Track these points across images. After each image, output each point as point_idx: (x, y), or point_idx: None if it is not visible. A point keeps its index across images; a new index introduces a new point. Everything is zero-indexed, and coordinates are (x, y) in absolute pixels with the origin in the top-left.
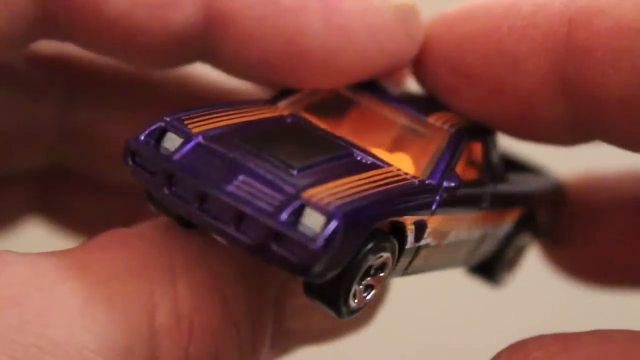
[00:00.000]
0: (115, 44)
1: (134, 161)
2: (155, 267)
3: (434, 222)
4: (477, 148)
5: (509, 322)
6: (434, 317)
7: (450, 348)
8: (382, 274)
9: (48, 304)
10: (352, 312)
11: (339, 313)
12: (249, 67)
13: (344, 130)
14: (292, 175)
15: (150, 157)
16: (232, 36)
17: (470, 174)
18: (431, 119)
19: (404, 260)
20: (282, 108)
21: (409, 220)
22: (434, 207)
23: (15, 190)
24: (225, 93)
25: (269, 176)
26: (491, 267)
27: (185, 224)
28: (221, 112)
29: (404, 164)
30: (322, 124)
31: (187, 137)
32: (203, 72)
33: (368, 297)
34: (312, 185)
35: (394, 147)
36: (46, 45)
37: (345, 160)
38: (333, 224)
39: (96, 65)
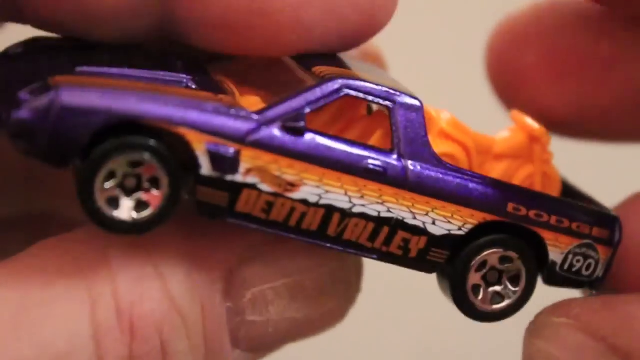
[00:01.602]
0: (62, 12)
1: None
2: (90, 266)
3: (253, 156)
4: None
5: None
6: (431, 318)
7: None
8: (154, 191)
9: None
10: (122, 224)
11: (98, 223)
12: (208, 30)
13: (233, 81)
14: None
15: None
16: None
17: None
18: (317, 70)
19: (219, 194)
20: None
21: (194, 137)
22: (247, 136)
23: (7, 235)
24: None
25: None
26: (455, 293)
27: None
28: None
29: (257, 104)
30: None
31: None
32: None
33: (139, 214)
34: (77, 76)
35: (268, 94)
36: None
37: (159, 77)
38: (45, 98)
39: None
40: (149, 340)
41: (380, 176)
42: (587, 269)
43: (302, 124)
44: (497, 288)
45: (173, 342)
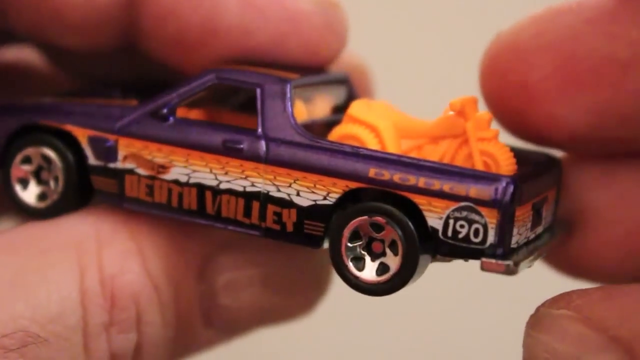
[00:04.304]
0: (43, 18)
1: None
2: (82, 239)
3: (127, 144)
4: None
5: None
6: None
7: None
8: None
9: None
10: (27, 206)
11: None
12: (166, 45)
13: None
14: None
15: None
16: (151, 10)
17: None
18: None
19: (108, 182)
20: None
21: (79, 132)
22: (122, 128)
23: None
24: None
25: None
26: (335, 266)
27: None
28: None
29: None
30: None
31: None
32: None
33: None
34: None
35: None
36: None
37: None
38: None
39: None
40: (126, 308)
41: (238, 152)
42: (476, 235)
43: (165, 111)
44: (383, 259)
45: (148, 313)
